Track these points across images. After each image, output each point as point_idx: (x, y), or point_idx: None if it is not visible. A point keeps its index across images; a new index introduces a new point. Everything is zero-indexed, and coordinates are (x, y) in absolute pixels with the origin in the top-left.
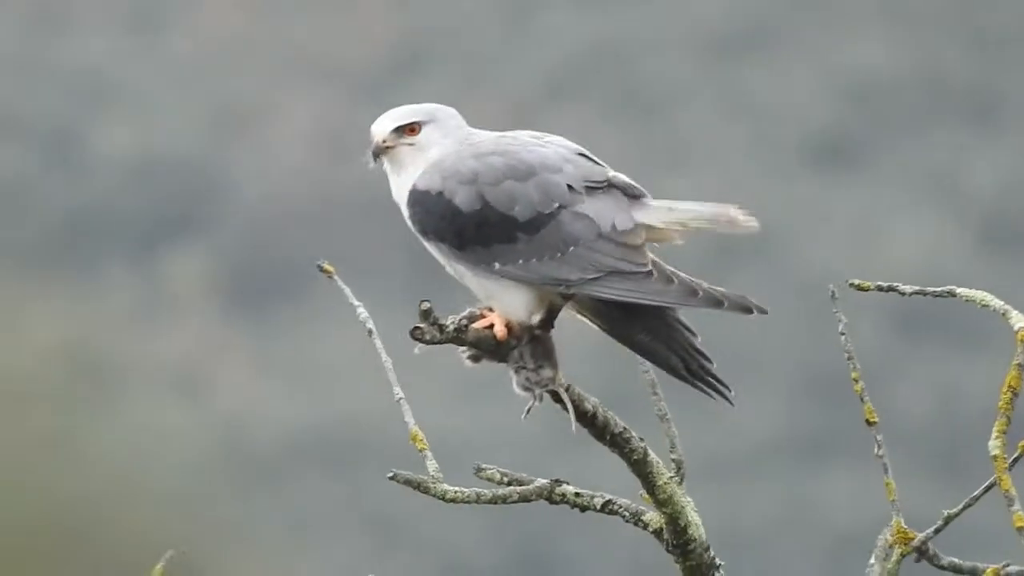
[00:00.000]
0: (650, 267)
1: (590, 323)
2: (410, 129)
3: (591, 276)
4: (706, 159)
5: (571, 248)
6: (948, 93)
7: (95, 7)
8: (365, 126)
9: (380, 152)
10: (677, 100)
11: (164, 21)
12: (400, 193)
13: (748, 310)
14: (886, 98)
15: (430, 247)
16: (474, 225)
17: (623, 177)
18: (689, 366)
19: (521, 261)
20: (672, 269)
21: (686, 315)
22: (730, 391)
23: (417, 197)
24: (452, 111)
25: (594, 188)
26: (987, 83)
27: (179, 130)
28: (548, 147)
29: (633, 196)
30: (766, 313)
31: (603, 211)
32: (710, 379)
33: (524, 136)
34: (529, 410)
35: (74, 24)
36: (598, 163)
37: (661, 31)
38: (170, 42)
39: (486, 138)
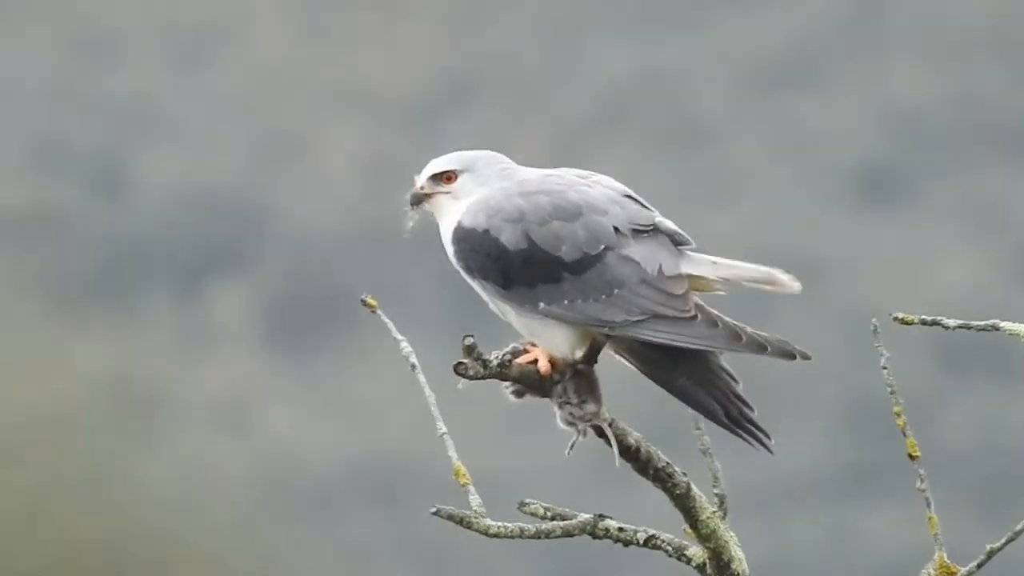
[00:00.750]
0: (694, 312)
1: (628, 364)
2: (446, 177)
3: (635, 319)
4: (752, 191)
5: (616, 291)
6: (994, 126)
7: (141, 38)
8: (412, 157)
9: (418, 199)
10: (723, 132)
11: (210, 52)
12: (443, 236)
13: (791, 356)
14: (932, 131)
15: (475, 285)
16: (519, 264)
17: (669, 223)
18: (729, 412)
19: (566, 301)
20: (716, 313)
21: (728, 361)
22: (770, 439)
23: (462, 235)
24: (495, 157)
25: (640, 232)
26: None
27: (225, 161)
28: (595, 188)
29: (678, 243)
30: (809, 359)
31: (649, 256)
32: (749, 426)
33: (570, 175)
34: (573, 445)
35: (120, 55)
36: (645, 206)
37: (708, 63)
38: (216, 73)
39: (532, 176)
